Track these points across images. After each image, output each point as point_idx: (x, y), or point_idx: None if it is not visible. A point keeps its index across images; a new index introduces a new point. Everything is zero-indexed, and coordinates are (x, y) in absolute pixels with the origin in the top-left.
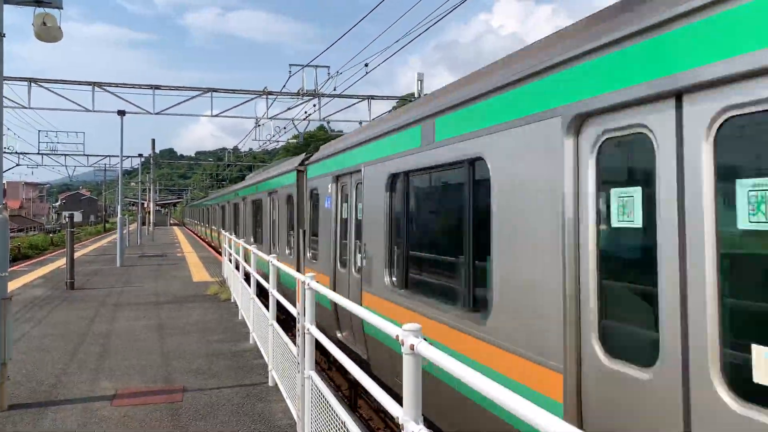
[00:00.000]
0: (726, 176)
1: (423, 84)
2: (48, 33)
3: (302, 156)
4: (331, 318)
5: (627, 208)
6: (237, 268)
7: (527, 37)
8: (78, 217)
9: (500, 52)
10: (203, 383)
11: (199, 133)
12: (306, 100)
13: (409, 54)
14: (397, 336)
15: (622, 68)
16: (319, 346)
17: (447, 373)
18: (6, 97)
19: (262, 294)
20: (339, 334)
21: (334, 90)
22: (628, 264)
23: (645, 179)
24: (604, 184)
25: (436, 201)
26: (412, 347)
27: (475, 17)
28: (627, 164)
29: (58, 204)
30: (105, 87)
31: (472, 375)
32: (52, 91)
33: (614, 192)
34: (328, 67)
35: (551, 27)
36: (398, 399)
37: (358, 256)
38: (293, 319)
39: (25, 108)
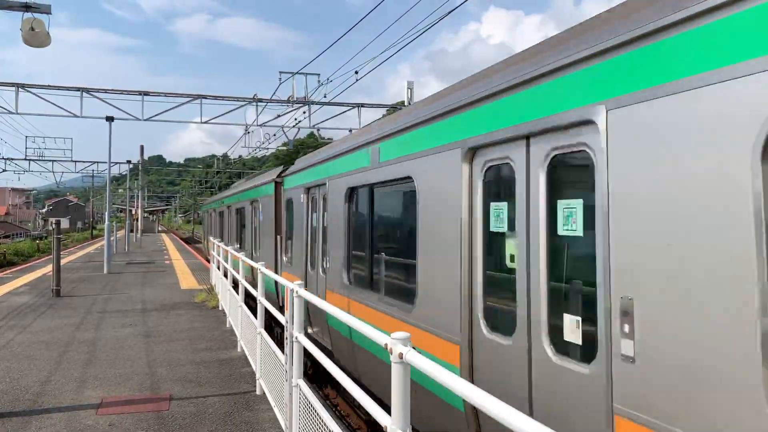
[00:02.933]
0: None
1: (413, 92)
2: (36, 38)
3: (280, 168)
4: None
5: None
6: (225, 275)
7: (515, 46)
8: (65, 223)
9: (488, 61)
10: (190, 391)
11: (189, 140)
12: (296, 108)
13: (399, 62)
14: (386, 345)
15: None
16: (306, 353)
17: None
18: None
19: (250, 298)
20: (310, 330)
21: (324, 97)
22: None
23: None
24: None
25: (378, 211)
26: (400, 356)
27: (465, 26)
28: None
29: (44, 210)
30: (93, 93)
31: (458, 382)
32: (40, 97)
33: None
34: (318, 74)
35: (540, 36)
36: (386, 407)
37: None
38: (280, 324)
39: (13, 113)
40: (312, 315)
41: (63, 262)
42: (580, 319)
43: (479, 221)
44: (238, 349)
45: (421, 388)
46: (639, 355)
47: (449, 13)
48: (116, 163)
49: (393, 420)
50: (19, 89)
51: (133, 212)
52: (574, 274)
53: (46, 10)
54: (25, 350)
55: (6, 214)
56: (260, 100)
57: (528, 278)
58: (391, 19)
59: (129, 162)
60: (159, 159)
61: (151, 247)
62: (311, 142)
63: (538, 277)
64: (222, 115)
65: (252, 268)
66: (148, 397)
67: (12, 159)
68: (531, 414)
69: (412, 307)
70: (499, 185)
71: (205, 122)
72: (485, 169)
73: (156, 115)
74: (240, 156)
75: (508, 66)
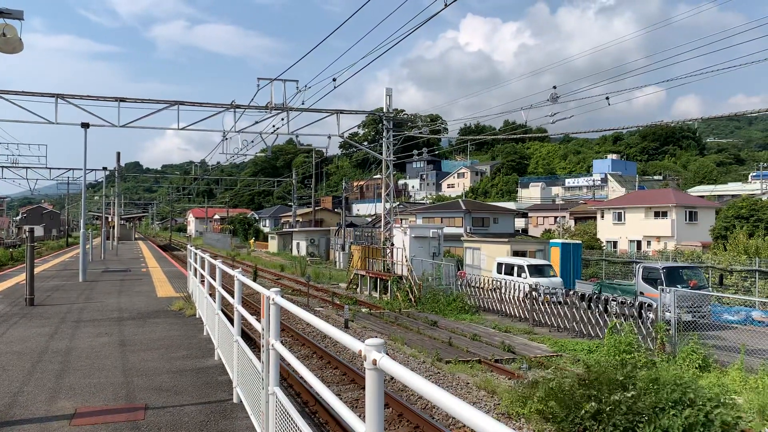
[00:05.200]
0: None
1: (392, 99)
2: (8, 44)
3: None
4: None
5: None
6: (202, 282)
7: (494, 54)
8: (39, 231)
9: (466, 69)
10: (166, 401)
11: (166, 147)
12: (274, 114)
13: (378, 69)
14: (360, 351)
15: None
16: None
17: None
18: None
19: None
20: None
21: (303, 104)
22: None
23: None
24: None
25: None
26: (374, 362)
27: (443, 34)
28: None
29: (18, 218)
30: (69, 99)
31: (431, 388)
32: (14, 103)
33: None
34: (297, 81)
35: (517, 43)
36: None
37: None
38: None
39: None
40: None
41: (37, 270)
42: None
43: None
44: (215, 358)
45: None
46: None
47: (427, 21)
48: (92, 170)
49: (367, 427)
50: None
51: (110, 219)
52: None
53: (18, 15)
54: None
55: None
56: (238, 107)
57: None
58: (369, 26)
59: (105, 169)
60: (136, 166)
61: (128, 255)
62: (290, 149)
63: None
64: (200, 121)
65: None
66: (123, 407)
67: None
68: None
69: None
70: None
71: (183, 129)
72: None
73: (133, 121)
74: (218, 162)
75: None
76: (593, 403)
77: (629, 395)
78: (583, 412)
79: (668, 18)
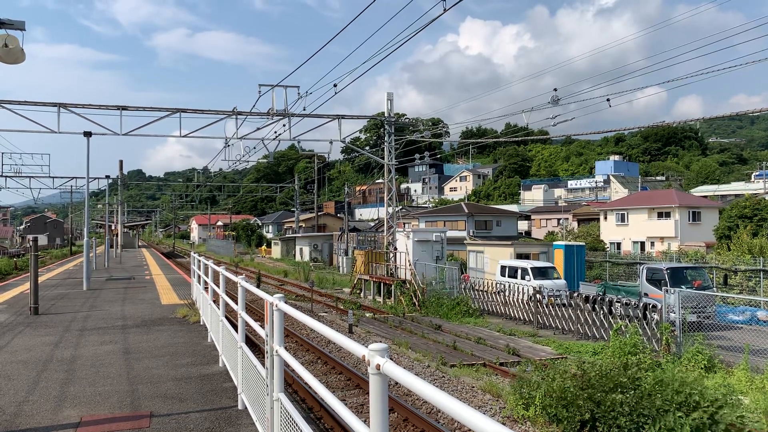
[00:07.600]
0: None
1: (392, 103)
2: (10, 55)
3: None
4: None
5: None
6: (206, 289)
7: (494, 57)
8: (43, 240)
9: (467, 72)
10: (171, 408)
11: (168, 154)
12: (276, 120)
13: (378, 74)
14: (364, 356)
15: None
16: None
17: None
18: None
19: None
20: None
21: (304, 110)
22: None
23: None
24: None
25: None
26: (378, 367)
27: (443, 38)
28: None
29: (22, 227)
30: (71, 108)
31: (435, 392)
32: (17, 113)
33: None
34: (298, 87)
35: (516, 46)
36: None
37: None
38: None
39: None
40: None
41: (41, 279)
42: None
43: None
44: (220, 364)
45: None
46: None
47: (426, 25)
48: (95, 178)
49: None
50: None
51: (113, 228)
52: None
53: (20, 26)
54: (2, 370)
55: None
56: (240, 113)
57: None
58: (369, 32)
59: (108, 177)
60: (139, 173)
61: (132, 263)
62: (292, 154)
63: None
64: (202, 128)
65: None
66: (128, 414)
67: None
68: None
69: None
70: None
71: (185, 136)
72: None
73: (135, 129)
74: (220, 169)
75: None
76: (593, 404)
77: (634, 398)
78: (583, 410)
79: (668, 19)
